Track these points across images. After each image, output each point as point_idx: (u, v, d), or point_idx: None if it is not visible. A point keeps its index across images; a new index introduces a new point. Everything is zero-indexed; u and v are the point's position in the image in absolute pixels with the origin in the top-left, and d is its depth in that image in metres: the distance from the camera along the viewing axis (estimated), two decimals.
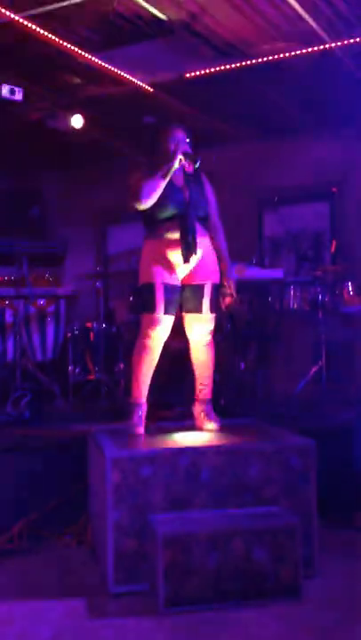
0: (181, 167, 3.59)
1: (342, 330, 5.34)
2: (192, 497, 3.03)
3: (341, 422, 4.40)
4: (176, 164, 3.53)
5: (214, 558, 2.74)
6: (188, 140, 3.65)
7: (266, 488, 3.09)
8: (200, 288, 3.63)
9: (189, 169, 3.61)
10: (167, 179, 3.52)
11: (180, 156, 3.54)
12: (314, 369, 5.22)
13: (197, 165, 3.56)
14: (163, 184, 3.52)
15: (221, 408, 4.42)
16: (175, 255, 3.56)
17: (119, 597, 2.87)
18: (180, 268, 3.60)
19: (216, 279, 3.69)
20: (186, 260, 3.54)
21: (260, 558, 2.77)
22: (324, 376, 5.19)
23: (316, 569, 3.04)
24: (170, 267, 3.58)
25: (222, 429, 3.61)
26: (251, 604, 2.72)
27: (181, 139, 3.63)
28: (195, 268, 3.62)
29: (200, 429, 3.66)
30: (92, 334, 5.96)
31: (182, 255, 3.53)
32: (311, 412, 4.72)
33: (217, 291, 3.70)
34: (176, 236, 3.55)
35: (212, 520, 2.89)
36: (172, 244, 3.56)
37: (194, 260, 3.60)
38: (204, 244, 3.63)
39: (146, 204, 3.53)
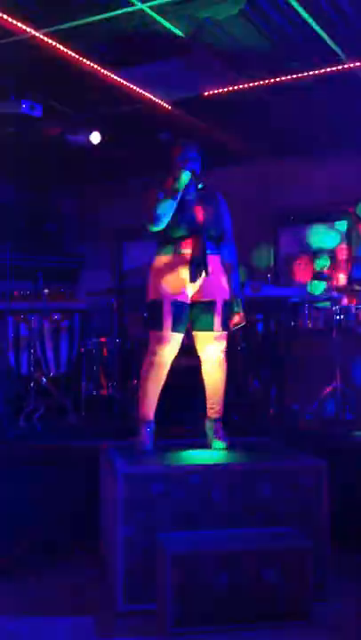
0: (194, 185, 3.58)
1: (357, 349, 5.31)
2: (203, 516, 2.99)
3: (355, 442, 4.36)
4: (182, 183, 3.50)
5: (224, 579, 2.70)
6: (197, 158, 3.58)
7: (278, 508, 3.05)
8: (211, 305, 3.60)
9: (193, 187, 3.57)
10: (177, 198, 3.49)
11: (186, 174, 3.49)
12: (328, 388, 5.18)
13: (201, 186, 3.51)
14: (173, 204, 3.49)
15: (235, 425, 4.39)
16: (185, 271, 3.55)
17: (127, 616, 2.84)
18: (190, 284, 3.59)
19: (226, 296, 3.66)
20: (193, 280, 3.53)
21: (271, 580, 2.73)
22: (338, 395, 5.15)
23: (328, 592, 2.99)
24: (179, 283, 3.55)
25: (235, 448, 3.58)
26: (261, 627, 2.68)
27: (191, 156, 3.56)
28: (204, 284, 3.59)
29: (210, 447, 3.64)
30: (105, 350, 5.96)
31: (190, 274, 3.52)
32: (325, 432, 4.68)
33: (229, 308, 3.67)
34: (187, 252, 3.55)
35: (222, 540, 2.86)
36: (183, 260, 3.55)
37: (203, 276, 3.58)
38: (214, 262, 3.61)
39: (159, 227, 3.53)
